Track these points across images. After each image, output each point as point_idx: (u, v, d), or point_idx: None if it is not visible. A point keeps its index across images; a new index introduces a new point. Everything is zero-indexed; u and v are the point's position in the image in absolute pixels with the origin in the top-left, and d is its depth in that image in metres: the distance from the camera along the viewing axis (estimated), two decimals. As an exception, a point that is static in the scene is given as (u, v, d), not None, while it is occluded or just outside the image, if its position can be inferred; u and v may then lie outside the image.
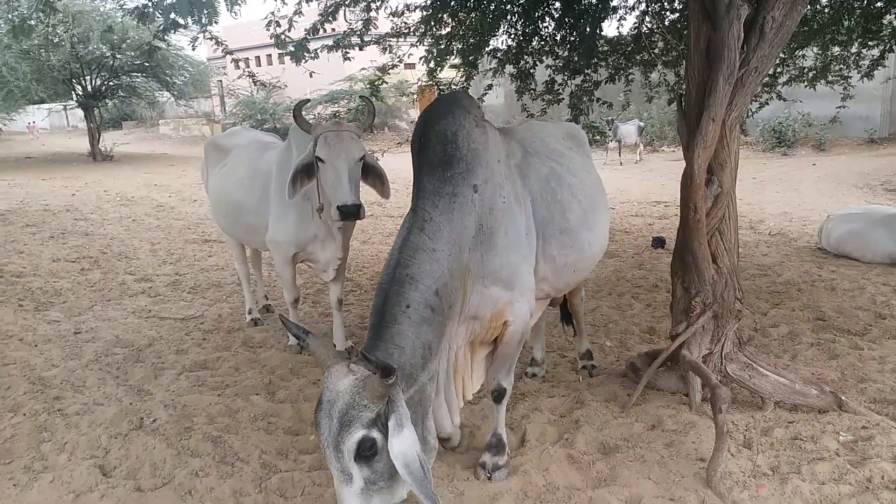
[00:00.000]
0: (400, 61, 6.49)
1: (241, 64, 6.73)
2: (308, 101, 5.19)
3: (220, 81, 34.26)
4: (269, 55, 35.04)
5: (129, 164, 21.60)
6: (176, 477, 3.21)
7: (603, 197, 3.69)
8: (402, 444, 2.30)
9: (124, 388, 4.19)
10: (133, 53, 23.01)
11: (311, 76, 6.16)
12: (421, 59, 6.54)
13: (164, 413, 3.85)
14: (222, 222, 5.07)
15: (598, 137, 7.08)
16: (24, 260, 7.40)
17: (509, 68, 6.69)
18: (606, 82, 6.76)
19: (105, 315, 5.64)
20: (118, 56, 22.67)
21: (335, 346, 4.73)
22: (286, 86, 30.01)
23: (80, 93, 23.69)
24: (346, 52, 6.33)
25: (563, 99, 6.94)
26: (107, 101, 25.80)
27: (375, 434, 2.32)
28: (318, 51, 5.66)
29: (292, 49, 5.25)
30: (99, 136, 23.75)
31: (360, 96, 5.03)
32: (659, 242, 8.14)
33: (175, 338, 5.13)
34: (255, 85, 6.65)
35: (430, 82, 6.73)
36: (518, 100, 6.92)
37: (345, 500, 2.38)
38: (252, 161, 4.65)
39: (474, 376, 3.16)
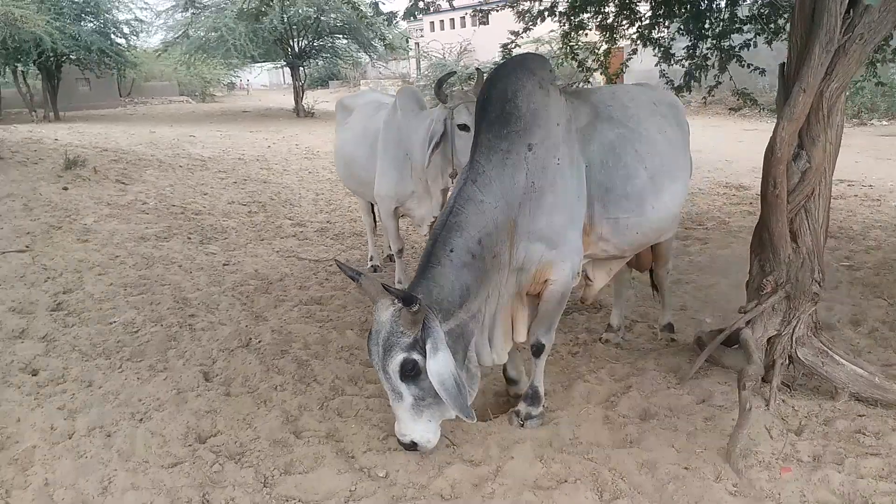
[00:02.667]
0: (534, 24, 6.60)
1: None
2: (454, 73, 5.61)
3: (417, 44, 35.77)
4: (463, 17, 35.98)
5: (325, 121, 23.33)
6: (259, 388, 3.77)
7: (679, 166, 3.64)
8: (437, 363, 2.71)
9: (246, 313, 4.87)
10: (335, 16, 24.77)
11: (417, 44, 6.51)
12: (557, 23, 6.60)
13: (270, 336, 4.45)
14: (341, 174, 5.62)
15: (749, 105, 6.52)
16: (206, 200, 8.55)
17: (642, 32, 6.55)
18: (741, 48, 6.38)
19: (254, 252, 6.46)
20: (322, 18, 24.45)
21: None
22: (474, 49, 30.76)
23: (288, 53, 25.91)
24: (483, 17, 6.58)
25: (708, 66, 6.66)
26: (311, 61, 27.94)
27: (416, 356, 2.76)
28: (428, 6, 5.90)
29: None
30: (302, 93, 25.87)
31: (476, 67, 5.26)
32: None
33: (303, 276, 5.78)
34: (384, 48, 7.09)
35: (564, 46, 6.77)
36: (656, 65, 6.75)
37: (399, 415, 2.90)
38: (366, 120, 5.09)
39: (520, 324, 3.37)
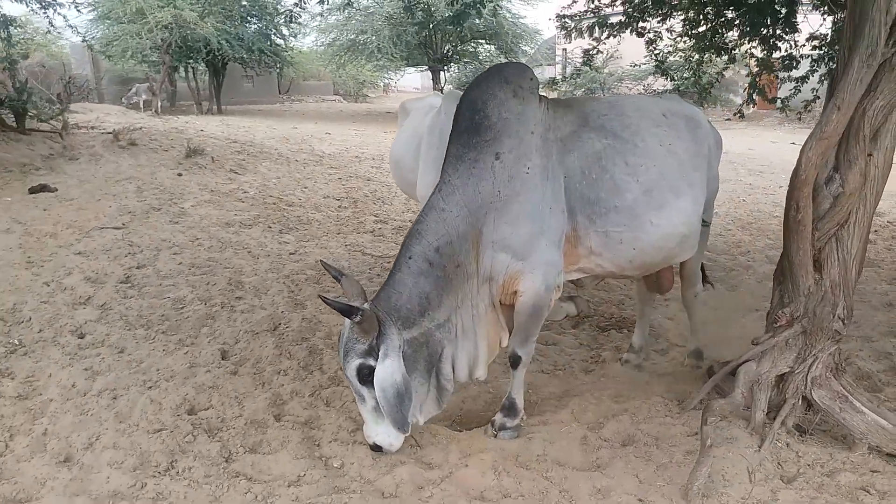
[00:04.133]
0: (613, 35, 6.45)
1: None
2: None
3: (564, 50, 35.46)
4: (613, 24, 35.25)
5: (459, 124, 23.66)
6: (265, 370, 3.97)
7: (688, 181, 3.40)
8: (383, 370, 2.80)
9: (289, 300, 5.11)
10: (478, 21, 25.13)
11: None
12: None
13: (299, 323, 4.66)
14: (393, 176, 5.73)
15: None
16: (303, 194, 9.01)
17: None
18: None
19: (325, 244, 6.75)
20: (464, 23, 24.85)
21: None
22: (621, 56, 30.00)
23: (430, 57, 26.61)
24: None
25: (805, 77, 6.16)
26: (452, 65, 28.52)
27: (371, 362, 2.84)
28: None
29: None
30: (442, 96, 26.45)
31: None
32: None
33: (359, 269, 5.97)
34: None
35: (649, 55, 6.54)
36: (747, 75, 6.33)
37: (363, 416, 3.02)
38: (416, 123, 5.17)
39: (501, 334, 3.34)
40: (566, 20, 6.82)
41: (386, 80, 41.08)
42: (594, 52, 6.75)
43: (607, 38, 6.58)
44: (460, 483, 2.94)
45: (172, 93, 28.22)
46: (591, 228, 3.23)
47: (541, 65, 38.10)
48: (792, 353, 3.35)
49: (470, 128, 3.08)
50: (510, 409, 3.36)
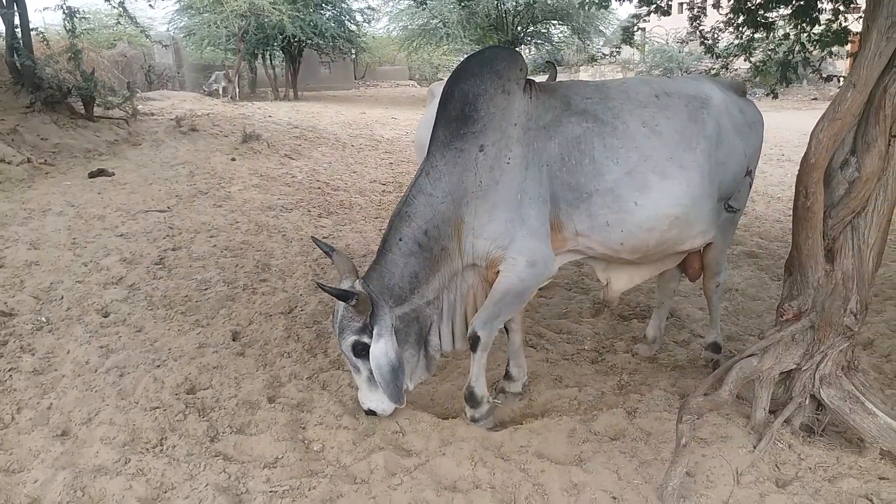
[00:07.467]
0: (656, 10, 6.16)
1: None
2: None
3: (643, 30, 34.37)
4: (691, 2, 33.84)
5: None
6: (270, 352, 4.04)
7: (678, 162, 3.18)
8: (377, 350, 2.98)
9: (310, 283, 5.17)
10: (551, 2, 24.68)
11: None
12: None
13: (314, 306, 4.71)
14: (417, 158, 5.70)
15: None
16: (350, 178, 9.09)
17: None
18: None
19: (360, 228, 6.79)
20: (535, 4, 24.48)
21: None
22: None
23: (501, 40, 26.30)
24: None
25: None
26: (524, 47, 28.13)
27: (364, 339, 3.04)
28: None
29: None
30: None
31: (547, 61, 5.16)
32: None
33: (388, 255, 5.97)
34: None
35: (694, 31, 6.24)
36: (798, 52, 5.93)
37: (358, 385, 3.25)
38: (434, 106, 5.13)
39: None
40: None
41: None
42: (634, 28, 6.51)
43: (647, 15, 6.33)
44: (434, 472, 2.91)
45: (252, 80, 29.11)
46: (573, 213, 3.15)
47: (618, 45, 37.00)
48: (799, 349, 3.13)
49: (459, 117, 3.07)
50: (470, 400, 3.32)
